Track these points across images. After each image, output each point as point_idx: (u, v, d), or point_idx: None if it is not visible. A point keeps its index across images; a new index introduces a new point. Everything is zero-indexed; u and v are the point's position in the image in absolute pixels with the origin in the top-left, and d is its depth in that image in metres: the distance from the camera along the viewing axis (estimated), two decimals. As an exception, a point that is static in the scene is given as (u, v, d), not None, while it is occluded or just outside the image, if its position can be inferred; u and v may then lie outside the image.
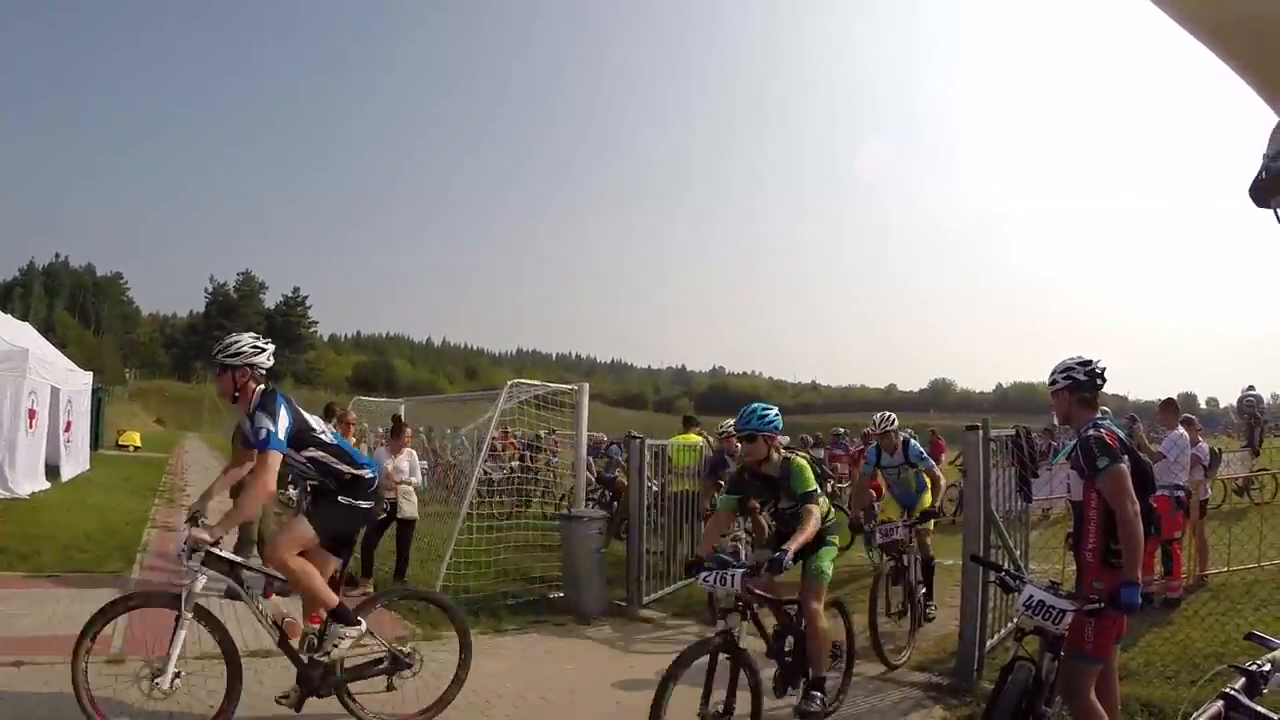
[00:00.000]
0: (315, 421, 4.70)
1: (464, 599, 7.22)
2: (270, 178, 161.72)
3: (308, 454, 4.57)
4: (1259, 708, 2.00)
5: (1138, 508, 3.66)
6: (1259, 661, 2.20)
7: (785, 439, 10.96)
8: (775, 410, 4.90)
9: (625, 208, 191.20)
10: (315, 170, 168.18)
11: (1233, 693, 2.05)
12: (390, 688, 4.69)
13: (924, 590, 7.16)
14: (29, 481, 13.27)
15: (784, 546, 4.39)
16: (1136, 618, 4.73)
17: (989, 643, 5.84)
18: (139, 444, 31.10)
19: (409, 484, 8.39)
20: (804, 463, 4.88)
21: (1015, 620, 4.45)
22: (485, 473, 10.76)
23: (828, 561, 4.83)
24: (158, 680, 4.09)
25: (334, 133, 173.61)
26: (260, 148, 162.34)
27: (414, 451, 8.88)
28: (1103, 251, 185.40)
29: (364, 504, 4.74)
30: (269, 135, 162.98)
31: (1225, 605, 6.84)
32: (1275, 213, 1.43)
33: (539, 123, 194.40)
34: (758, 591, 4.45)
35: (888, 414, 7.80)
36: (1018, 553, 6.32)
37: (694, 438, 9.67)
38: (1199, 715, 2.01)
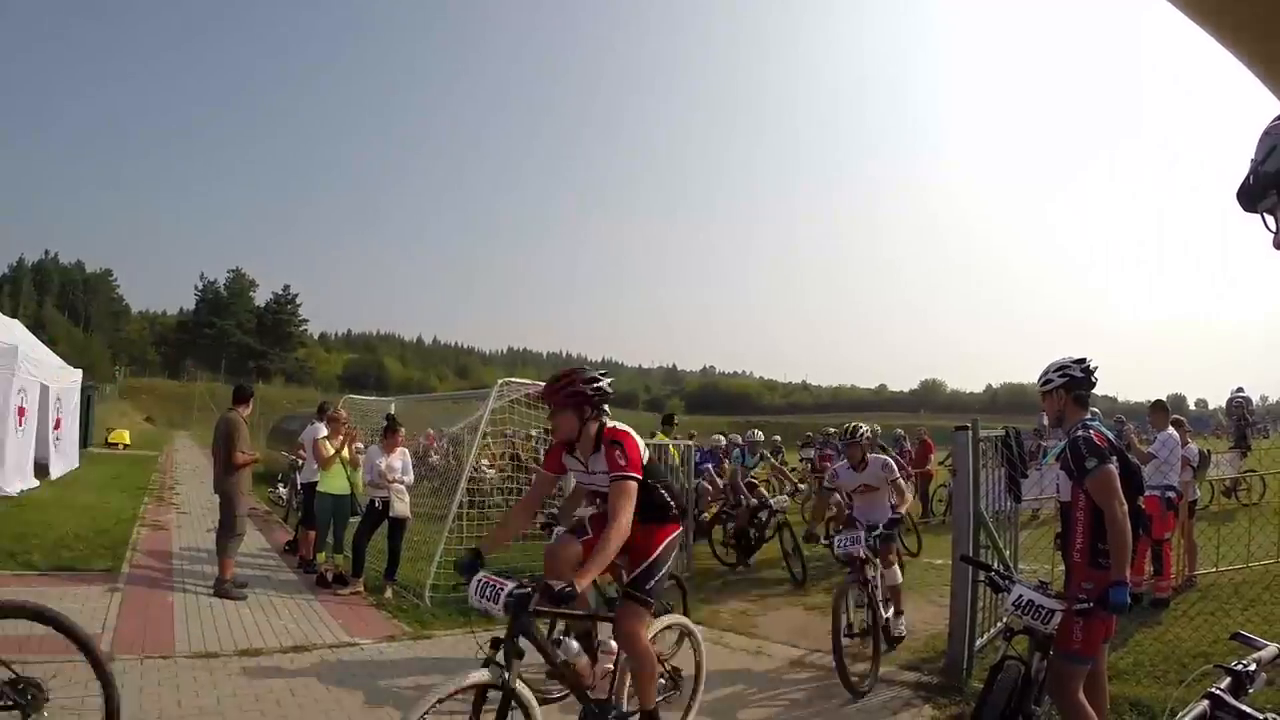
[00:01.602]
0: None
1: (452, 599, 7.22)
2: (261, 175, 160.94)
3: None
4: (1244, 706, 2.02)
5: (1126, 508, 3.68)
6: (1244, 661, 2.22)
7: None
8: None
9: (617, 208, 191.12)
10: (307, 168, 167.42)
11: (1218, 692, 2.07)
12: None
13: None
14: (18, 479, 13.21)
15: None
16: (1125, 617, 4.77)
17: (978, 642, 5.87)
18: (128, 442, 30.93)
19: (402, 483, 8.38)
20: None
21: (1004, 620, 4.46)
22: (476, 469, 10.83)
23: None
24: None
25: (326, 131, 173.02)
26: (251, 145, 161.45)
27: (406, 451, 8.86)
28: (1094, 254, 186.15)
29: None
30: (260, 133, 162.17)
31: (1214, 605, 6.89)
32: (1262, 218, 1.44)
33: (532, 124, 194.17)
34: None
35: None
36: (1007, 553, 6.35)
37: (660, 437, 9.73)
38: (1184, 715, 2.02)
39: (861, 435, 6.96)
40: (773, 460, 14.61)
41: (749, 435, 12.61)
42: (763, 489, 11.54)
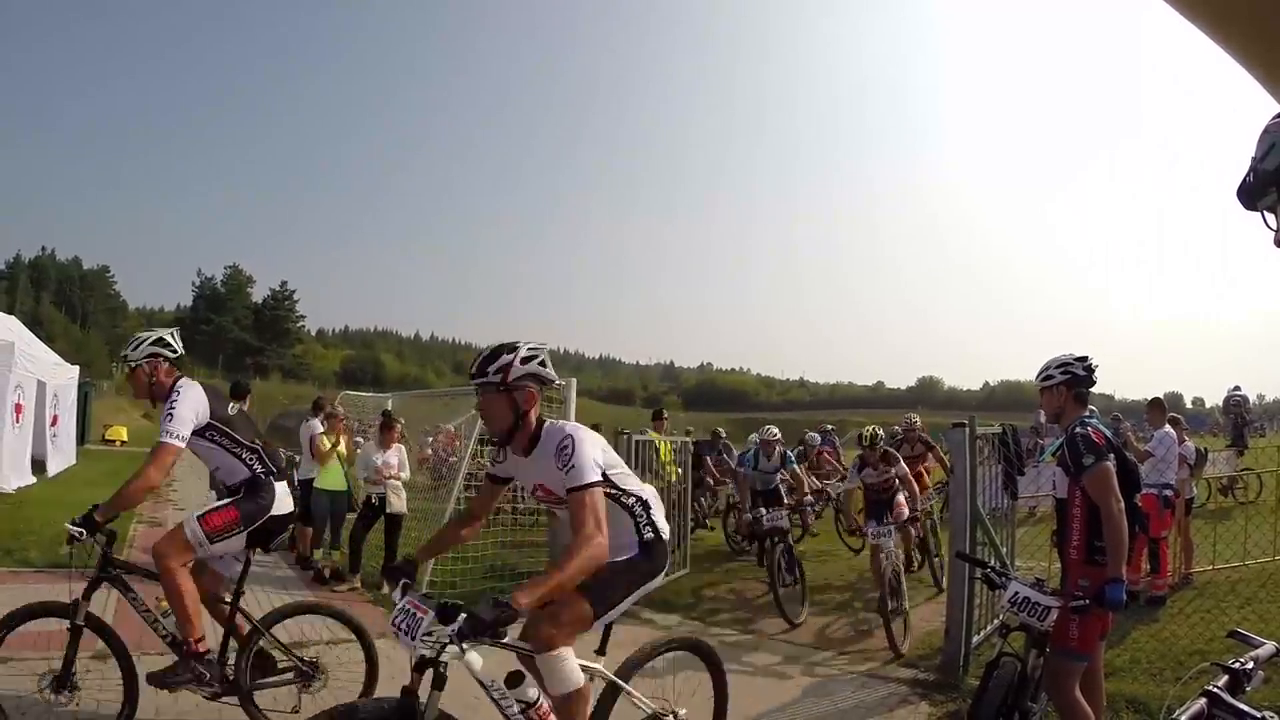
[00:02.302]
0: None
1: (450, 594, 7.21)
2: (258, 172, 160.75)
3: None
4: (1241, 705, 2.02)
5: (1122, 505, 3.68)
6: (1242, 659, 2.22)
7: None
8: None
9: (616, 206, 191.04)
10: (304, 164, 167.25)
11: (1216, 690, 2.06)
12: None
13: None
14: (15, 476, 13.19)
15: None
16: (1122, 615, 4.77)
17: (975, 639, 5.87)
18: (126, 439, 30.94)
19: (398, 479, 8.38)
20: None
21: (1001, 617, 4.47)
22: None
23: None
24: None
25: (323, 127, 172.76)
26: (248, 141, 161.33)
27: (403, 447, 8.85)
28: (1094, 254, 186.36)
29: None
30: (257, 130, 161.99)
31: (1210, 603, 6.90)
32: (1262, 216, 1.44)
33: (531, 121, 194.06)
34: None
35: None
36: (1004, 550, 6.35)
37: (652, 435, 9.69)
38: (1182, 712, 2.02)
39: (499, 368, 3.16)
40: (795, 465, 11.37)
41: (763, 433, 10.75)
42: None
